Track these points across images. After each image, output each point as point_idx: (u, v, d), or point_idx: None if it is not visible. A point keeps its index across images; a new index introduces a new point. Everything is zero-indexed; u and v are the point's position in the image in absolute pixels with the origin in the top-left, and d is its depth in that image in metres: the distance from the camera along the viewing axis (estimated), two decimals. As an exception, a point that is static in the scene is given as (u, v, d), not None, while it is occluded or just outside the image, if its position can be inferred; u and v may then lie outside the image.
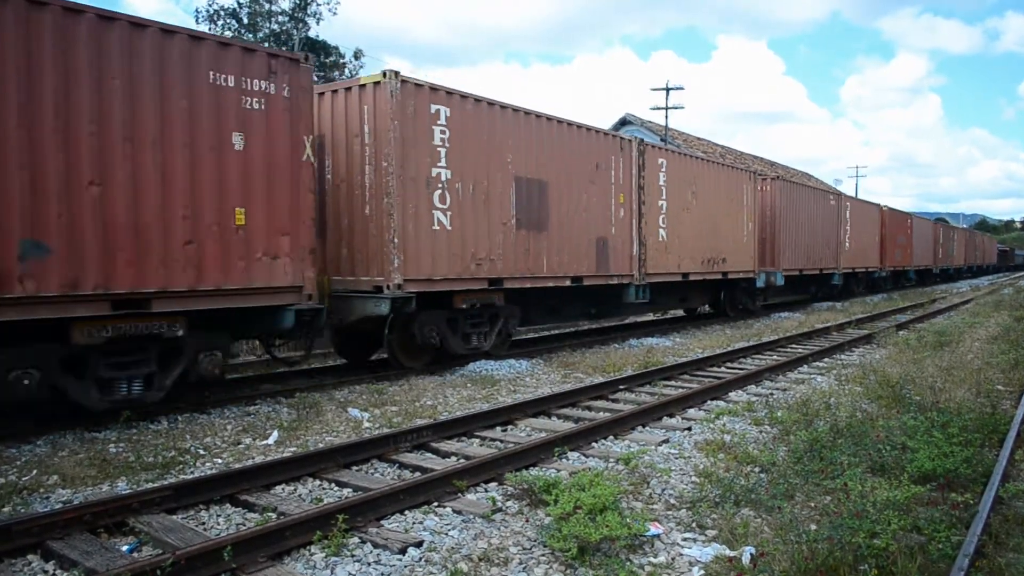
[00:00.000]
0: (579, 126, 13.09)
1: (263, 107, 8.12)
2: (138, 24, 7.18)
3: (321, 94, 10.24)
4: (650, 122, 40.88)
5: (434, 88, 10.30)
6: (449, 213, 10.48)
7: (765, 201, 20.36)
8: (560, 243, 12.59)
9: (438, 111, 10.31)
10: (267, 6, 35.35)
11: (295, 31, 35.07)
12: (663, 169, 15.30)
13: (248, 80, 7.98)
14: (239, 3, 34.99)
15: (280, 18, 35.77)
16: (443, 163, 10.38)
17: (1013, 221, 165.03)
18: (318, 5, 36.15)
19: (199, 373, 7.97)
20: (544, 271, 12.30)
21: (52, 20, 6.61)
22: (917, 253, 36.21)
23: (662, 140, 36.03)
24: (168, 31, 7.40)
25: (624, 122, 41.30)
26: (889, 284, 33.14)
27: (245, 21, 35.29)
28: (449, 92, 10.49)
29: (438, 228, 10.32)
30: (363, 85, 9.90)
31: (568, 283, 12.91)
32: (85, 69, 6.81)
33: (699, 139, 46.16)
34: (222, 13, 34.74)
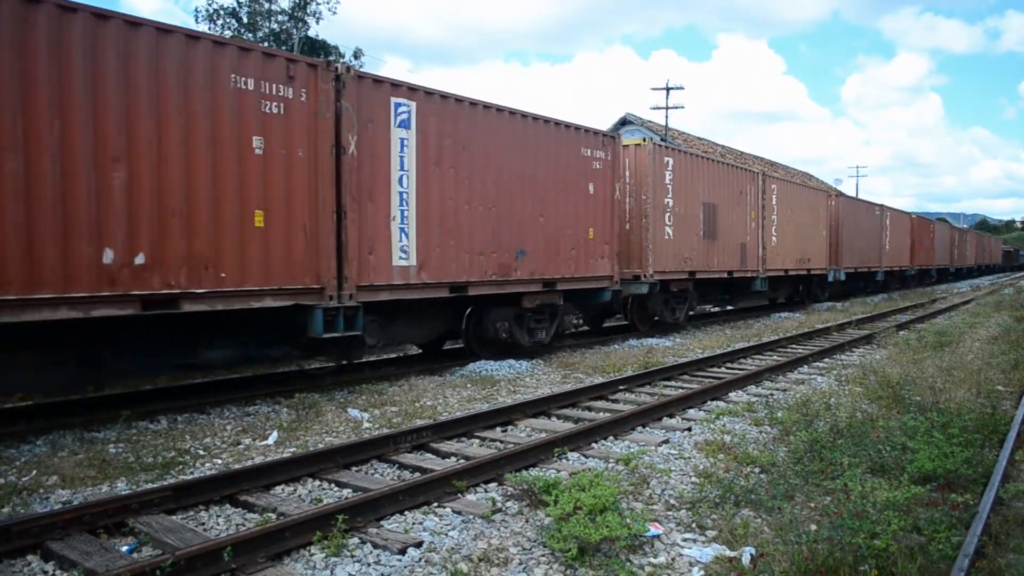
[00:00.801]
0: (734, 166, 19.36)
1: (601, 166, 13.30)
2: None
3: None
4: (650, 122, 40.86)
5: (669, 148, 16.20)
6: (671, 228, 15.62)
7: (830, 213, 25.63)
8: (722, 247, 17.79)
9: (668, 162, 15.58)
10: (267, 5, 35.37)
11: (295, 31, 35.06)
12: (774, 193, 20.79)
13: (591, 150, 13.05)
14: (239, 2, 35.01)
15: (280, 17, 35.80)
16: (670, 196, 15.59)
17: (1014, 221, 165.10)
18: (318, 5, 36.20)
19: (564, 327, 13.32)
20: (715, 267, 17.58)
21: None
22: (938, 254, 41.95)
23: (662, 139, 36.05)
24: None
25: (624, 122, 41.27)
26: (915, 282, 38.32)
27: (245, 21, 35.30)
28: (675, 149, 16.46)
29: (667, 238, 15.46)
30: (626, 146, 14.86)
31: (725, 275, 18.17)
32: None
33: (699, 139, 46.13)
34: (222, 13, 34.77)
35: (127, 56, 6.92)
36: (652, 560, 4.33)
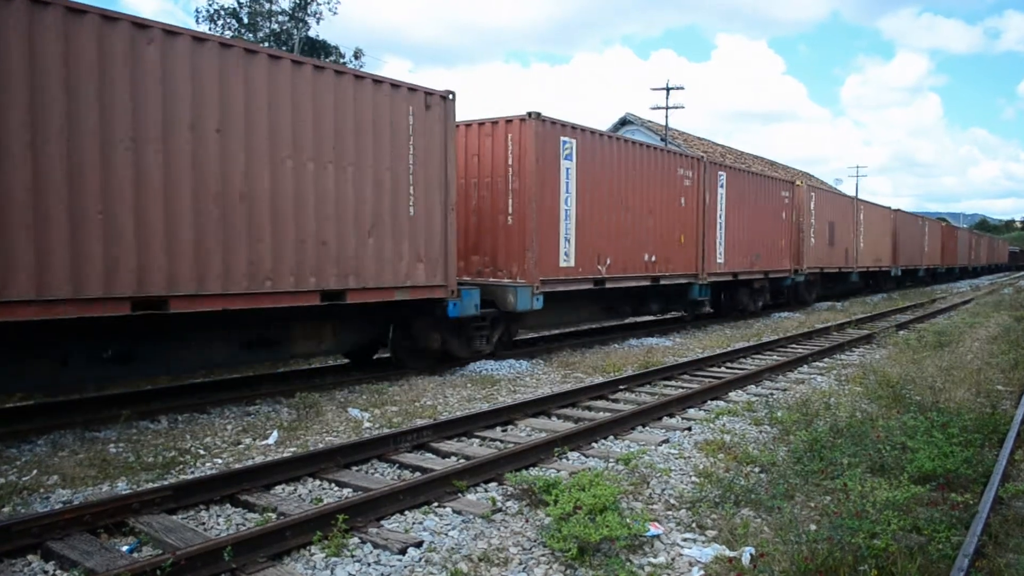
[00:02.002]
0: (843, 195, 27.52)
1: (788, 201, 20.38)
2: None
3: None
4: (650, 122, 40.84)
5: (813, 187, 23.84)
6: (813, 239, 22.84)
7: (892, 225, 32.90)
8: (837, 251, 25.08)
9: (812, 195, 23.18)
10: (267, 6, 35.37)
11: (295, 31, 35.06)
12: (862, 212, 28.54)
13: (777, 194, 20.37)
14: (239, 3, 35.01)
15: (280, 18, 35.79)
16: (813, 218, 22.94)
17: (1013, 221, 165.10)
18: (318, 5, 36.20)
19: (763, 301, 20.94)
20: (832, 264, 24.91)
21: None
22: (960, 255, 51.28)
23: (662, 140, 36.03)
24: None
25: (624, 122, 41.26)
26: (944, 278, 47.18)
27: (245, 21, 35.30)
28: (818, 188, 24.77)
29: (811, 244, 22.57)
30: (793, 182, 22.04)
31: (837, 270, 25.59)
32: None
33: (699, 139, 46.11)
34: (222, 13, 34.77)
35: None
36: (652, 560, 4.34)
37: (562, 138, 12.19)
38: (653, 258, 14.89)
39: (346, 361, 11.92)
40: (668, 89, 37.97)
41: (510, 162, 11.80)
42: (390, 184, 9.32)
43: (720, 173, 17.41)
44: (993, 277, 61.45)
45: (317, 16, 36.33)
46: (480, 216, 12.17)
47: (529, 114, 11.62)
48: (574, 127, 12.55)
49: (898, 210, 34.73)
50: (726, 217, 17.51)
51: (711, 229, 16.94)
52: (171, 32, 7.19)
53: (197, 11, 47.93)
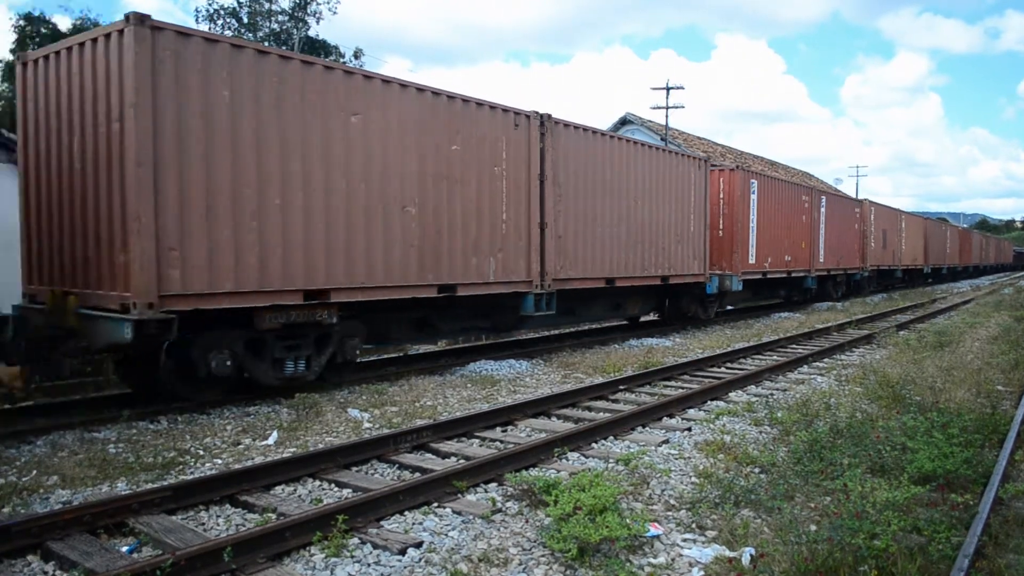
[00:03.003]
0: (893, 208, 33.77)
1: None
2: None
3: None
4: (650, 121, 40.83)
5: (869, 202, 30.11)
6: (873, 243, 29.20)
7: (924, 231, 40.01)
8: (888, 252, 30.80)
9: (872, 209, 29.48)
10: (267, 5, 35.34)
11: (295, 31, 35.05)
12: (903, 219, 34.86)
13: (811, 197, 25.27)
14: (239, 2, 34.99)
15: (280, 17, 35.77)
16: (873, 227, 29.40)
17: (1013, 221, 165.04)
18: (318, 4, 36.16)
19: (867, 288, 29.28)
20: (885, 263, 30.66)
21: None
22: (975, 254, 60.02)
23: (662, 140, 36.01)
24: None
25: (624, 121, 41.23)
26: (962, 275, 55.60)
27: (245, 21, 35.28)
28: (875, 204, 30.25)
29: (871, 248, 28.41)
30: (860, 201, 29.55)
31: (888, 267, 30.83)
32: None
33: (700, 139, 46.10)
34: (222, 13, 34.74)
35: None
36: (652, 560, 4.34)
37: (751, 180, 19.11)
38: (789, 258, 21.46)
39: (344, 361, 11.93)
40: (668, 89, 37.97)
41: (722, 195, 18.24)
42: (683, 213, 15.92)
43: (821, 197, 24.66)
44: (993, 277, 63.68)
45: (317, 16, 36.31)
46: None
47: (737, 166, 19.03)
48: (758, 173, 20.32)
49: (926, 218, 43.93)
50: (824, 229, 24.29)
51: (816, 238, 23.79)
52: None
53: (197, 11, 47.92)
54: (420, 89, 9.79)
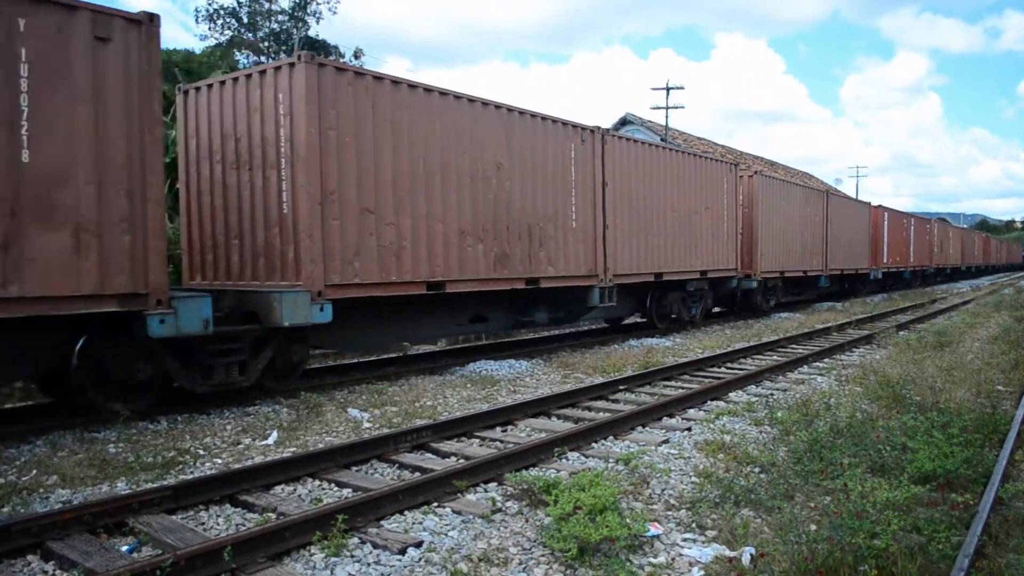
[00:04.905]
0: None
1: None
2: None
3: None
4: (650, 122, 40.84)
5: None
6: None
7: (949, 235, 47.03)
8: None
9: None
10: (267, 5, 35.32)
11: (295, 30, 35.04)
12: (936, 228, 38.93)
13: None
14: (239, 2, 34.97)
15: (280, 17, 35.75)
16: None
17: (1013, 221, 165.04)
18: (318, 4, 36.12)
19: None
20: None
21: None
22: (991, 255, 70.48)
23: (662, 139, 36.01)
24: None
25: (624, 122, 41.25)
26: (983, 273, 65.19)
27: (245, 21, 35.26)
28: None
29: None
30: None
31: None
32: None
33: (699, 139, 46.11)
34: (222, 13, 34.72)
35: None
36: (652, 560, 4.33)
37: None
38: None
39: (345, 361, 11.95)
40: (668, 89, 38.00)
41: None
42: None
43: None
44: (993, 277, 66.30)
45: (317, 16, 36.28)
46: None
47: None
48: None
49: (949, 223, 52.56)
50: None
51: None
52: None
53: (196, 11, 47.94)
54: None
